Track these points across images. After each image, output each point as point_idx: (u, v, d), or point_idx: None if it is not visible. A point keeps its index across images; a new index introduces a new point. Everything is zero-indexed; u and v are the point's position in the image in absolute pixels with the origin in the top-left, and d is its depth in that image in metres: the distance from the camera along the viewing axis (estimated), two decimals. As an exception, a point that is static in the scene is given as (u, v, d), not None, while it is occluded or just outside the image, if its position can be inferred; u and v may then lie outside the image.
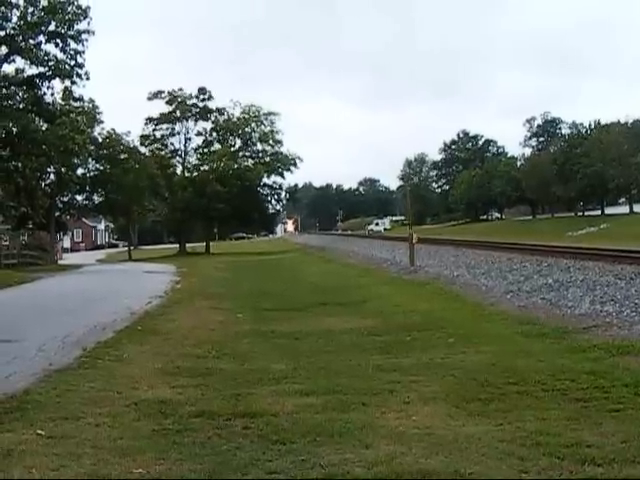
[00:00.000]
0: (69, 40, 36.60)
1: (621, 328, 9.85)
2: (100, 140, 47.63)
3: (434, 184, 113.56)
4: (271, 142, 61.67)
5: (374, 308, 14.16)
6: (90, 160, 47.89)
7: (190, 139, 61.31)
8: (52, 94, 38.95)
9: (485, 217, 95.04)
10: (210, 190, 56.15)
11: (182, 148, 61.35)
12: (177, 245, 61.87)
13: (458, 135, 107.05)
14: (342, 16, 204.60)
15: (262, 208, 63.86)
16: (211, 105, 60.45)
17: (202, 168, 60.91)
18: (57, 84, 38.70)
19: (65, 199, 49.06)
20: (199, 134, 61.39)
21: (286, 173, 61.76)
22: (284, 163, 60.92)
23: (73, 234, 78.64)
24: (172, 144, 61.09)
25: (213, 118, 61.16)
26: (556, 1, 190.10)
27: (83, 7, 36.21)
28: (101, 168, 49.00)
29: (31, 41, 36.10)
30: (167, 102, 59.14)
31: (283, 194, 65.66)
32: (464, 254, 25.20)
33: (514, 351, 8.53)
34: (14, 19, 35.71)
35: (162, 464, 4.73)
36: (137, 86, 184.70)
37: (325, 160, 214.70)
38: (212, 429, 5.57)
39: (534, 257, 20.17)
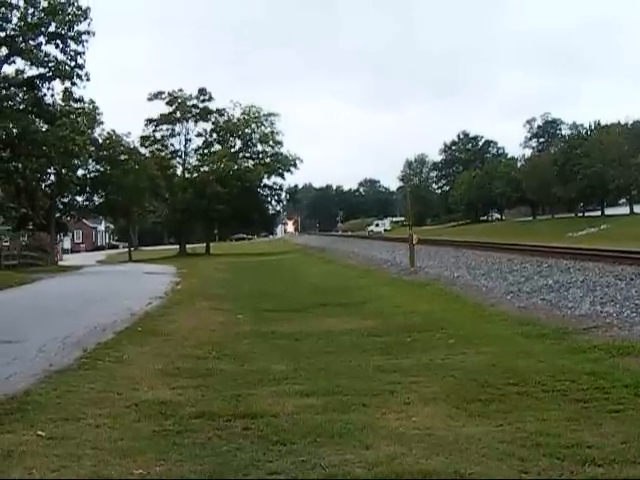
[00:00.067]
0: (69, 41, 36.64)
1: (621, 329, 9.85)
2: (100, 141, 47.67)
3: (434, 185, 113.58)
4: (271, 143, 61.71)
5: (374, 309, 14.16)
6: (90, 161, 47.93)
7: (190, 140, 61.42)
8: (52, 95, 39.03)
9: (485, 218, 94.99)
10: (210, 191, 56.17)
11: (182, 149, 61.46)
12: (177, 246, 61.85)
13: (458, 136, 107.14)
14: (342, 16, 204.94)
15: (262, 209, 63.88)
16: (211, 106, 60.56)
17: (202, 169, 60.92)
18: (57, 85, 38.80)
19: (65, 200, 49.07)
20: (199, 135, 61.51)
21: (286, 174, 61.92)
22: (284, 164, 60.94)
23: (73, 235, 78.65)
24: (172, 145, 61.21)
25: (213, 119, 61.19)
26: (558, 1, 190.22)
27: (83, 8, 36.28)
28: (101, 169, 49.03)
29: (31, 42, 36.14)
30: (167, 103, 59.18)
31: (283, 195, 65.81)
32: (464, 255, 25.20)
33: (514, 352, 8.53)
34: (14, 20, 35.77)
35: (162, 465, 4.73)
36: (137, 86, 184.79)
37: (325, 161, 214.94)
38: (212, 430, 5.57)
39: (534, 258, 20.17)
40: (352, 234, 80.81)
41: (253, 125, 61.38)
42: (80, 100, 42.94)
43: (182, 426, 5.70)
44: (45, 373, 7.83)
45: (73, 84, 38.61)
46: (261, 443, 5.18)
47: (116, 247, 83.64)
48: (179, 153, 61.33)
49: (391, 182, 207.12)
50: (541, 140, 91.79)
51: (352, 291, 18.29)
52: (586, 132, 70.14)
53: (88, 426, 5.73)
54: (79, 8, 36.17)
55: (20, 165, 39.84)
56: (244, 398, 6.66)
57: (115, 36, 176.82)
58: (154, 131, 60.04)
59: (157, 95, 59.32)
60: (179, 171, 61.23)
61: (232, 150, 61.44)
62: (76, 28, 36.50)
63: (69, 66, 37.12)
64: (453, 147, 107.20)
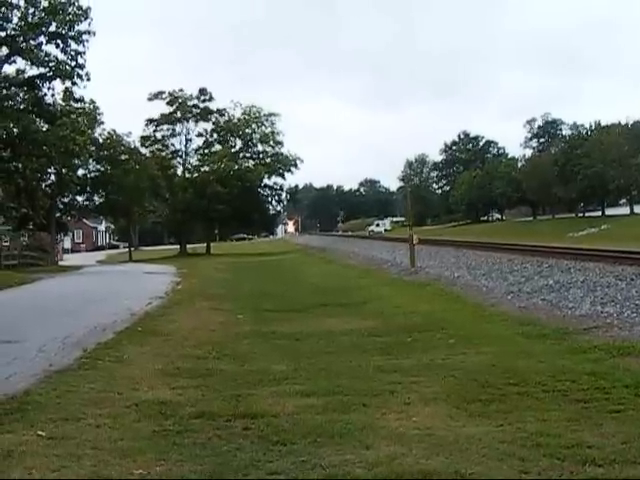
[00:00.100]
0: (70, 41, 36.63)
1: (622, 329, 9.85)
2: (101, 141, 47.68)
3: (435, 185, 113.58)
4: (272, 143, 61.70)
5: (375, 309, 14.16)
6: (91, 161, 47.95)
7: (191, 140, 61.42)
8: (53, 95, 38.99)
9: (486, 218, 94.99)
10: (211, 191, 56.18)
11: (183, 149, 61.46)
12: (178, 246, 61.86)
13: (459, 136, 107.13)
14: (342, 16, 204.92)
15: (263, 209, 63.89)
16: (212, 106, 60.57)
17: (203, 169, 60.93)
18: (58, 85, 38.78)
19: (66, 200, 49.09)
20: (200, 135, 61.51)
21: (286, 174, 61.90)
22: (284, 164, 60.95)
23: (73, 235, 78.66)
24: (173, 145, 61.22)
25: (214, 119, 61.19)
26: (558, 1, 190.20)
27: (84, 8, 36.26)
28: (102, 169, 49.05)
29: (32, 42, 36.14)
30: (168, 103, 59.19)
31: (284, 195, 65.78)
32: (465, 255, 25.20)
33: (515, 352, 8.53)
34: (15, 20, 35.76)
35: (162, 465, 4.73)
36: (137, 86, 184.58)
37: (325, 161, 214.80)
38: (212, 430, 5.57)
39: (535, 258, 20.16)
40: (352, 234, 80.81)
41: (253, 125, 61.39)
42: (80, 100, 42.98)
43: (182, 426, 5.70)
44: (45, 373, 7.83)
45: (73, 84, 38.62)
46: (261, 443, 5.18)
47: (116, 247, 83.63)
48: (179, 153, 61.41)
49: (391, 182, 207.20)
50: (541, 140, 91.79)
51: (352, 291, 18.29)
52: (586, 132, 70.11)
53: (88, 426, 5.72)
54: (79, 8, 36.18)
55: (20, 165, 39.84)
56: (244, 398, 6.66)
57: (115, 36, 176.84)
58: (154, 131, 60.11)
59: (157, 95, 59.37)
60: (179, 171, 61.26)
61: (232, 150, 61.44)
62: (77, 28, 36.50)
63: (69, 66, 37.12)
64: (453, 147, 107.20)
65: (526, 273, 17.31)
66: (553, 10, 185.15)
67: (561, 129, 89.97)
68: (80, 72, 37.50)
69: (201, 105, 59.95)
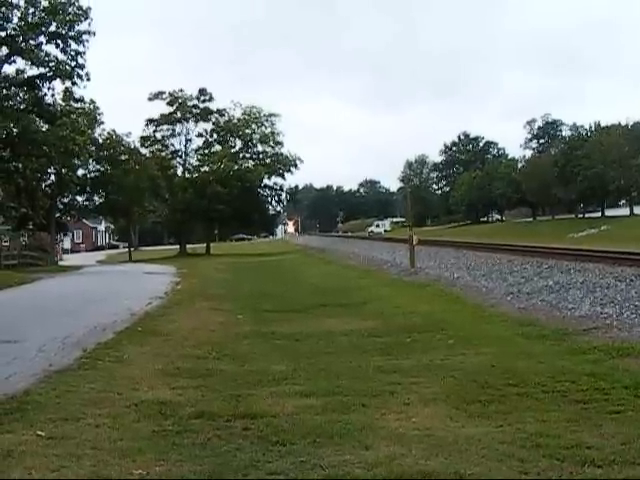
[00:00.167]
0: (70, 41, 36.69)
1: (621, 330, 9.86)
2: (101, 141, 47.69)
3: (434, 186, 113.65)
4: (272, 143, 61.69)
5: (374, 310, 14.16)
6: (91, 161, 47.95)
7: (191, 140, 61.42)
8: (53, 95, 39.08)
9: (485, 219, 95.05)
10: (210, 191, 56.19)
11: (182, 149, 61.47)
12: (177, 246, 61.85)
13: (459, 137, 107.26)
14: (342, 16, 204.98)
15: (262, 209, 63.88)
16: (212, 106, 60.58)
17: (202, 169, 60.94)
18: (58, 85, 38.86)
19: (65, 200, 49.12)
20: (199, 135, 61.51)
21: (286, 174, 61.87)
22: (284, 164, 60.95)
23: (73, 235, 78.68)
24: (172, 145, 61.22)
25: (214, 119, 61.20)
26: (558, 1, 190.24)
27: (84, 8, 36.34)
28: (102, 169, 49.06)
29: (32, 42, 36.17)
30: (168, 103, 59.20)
31: (283, 195, 65.72)
32: (464, 256, 25.21)
33: (514, 353, 8.53)
34: (15, 20, 35.83)
35: (162, 465, 4.73)
36: (137, 86, 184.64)
37: (325, 161, 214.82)
38: (212, 430, 5.57)
39: (534, 259, 20.17)
40: (352, 235, 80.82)
41: (253, 125, 61.38)
42: (80, 100, 43.07)
43: (182, 426, 5.70)
44: (45, 373, 7.83)
45: (73, 84, 38.69)
46: (261, 443, 5.18)
47: (116, 247, 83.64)
48: (179, 153, 61.40)
49: (391, 183, 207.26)
50: (541, 141, 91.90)
51: (352, 292, 18.29)
52: (586, 133, 70.17)
53: (88, 426, 5.72)
54: (79, 8, 36.24)
55: (20, 165, 39.88)
56: (244, 398, 6.66)
57: (115, 36, 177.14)
58: (154, 131, 60.12)
59: (157, 95, 59.38)
60: (179, 171, 61.28)
61: (232, 150, 61.44)
62: (76, 28, 36.57)
63: (69, 66, 37.16)
64: (453, 148, 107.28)
65: (526, 274, 17.32)
66: (553, 10, 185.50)
67: (561, 130, 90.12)
68: (80, 72, 37.60)
69: (201, 105, 59.98)
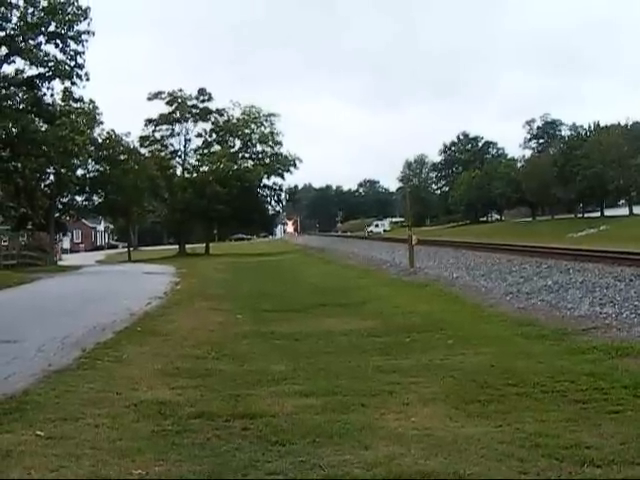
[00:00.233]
0: (69, 41, 36.71)
1: (620, 330, 9.86)
2: (100, 141, 47.65)
3: (434, 185, 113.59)
4: (271, 143, 61.70)
5: (374, 309, 14.16)
6: (90, 161, 47.90)
7: (190, 140, 61.46)
8: (52, 95, 39.13)
9: (485, 219, 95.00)
10: (210, 191, 56.17)
11: (182, 149, 61.48)
12: (177, 246, 61.84)
13: (458, 137, 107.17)
14: (342, 16, 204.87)
15: (262, 209, 63.85)
16: (211, 106, 60.62)
17: (202, 169, 60.94)
18: (57, 85, 38.89)
19: (65, 200, 49.05)
20: (199, 135, 61.53)
21: (286, 174, 61.87)
22: (284, 164, 60.94)
23: (73, 235, 78.64)
24: (172, 145, 61.25)
25: (213, 119, 61.22)
26: (558, 1, 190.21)
27: (83, 8, 36.37)
28: (101, 169, 49.02)
29: (31, 42, 36.19)
30: (167, 103, 59.21)
31: (283, 195, 65.66)
32: (464, 255, 25.21)
33: (513, 352, 8.53)
34: (14, 20, 35.86)
35: (161, 465, 4.73)
36: (137, 86, 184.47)
37: (325, 161, 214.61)
38: (211, 430, 5.57)
39: (534, 259, 20.17)
40: (351, 234, 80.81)
41: (253, 125, 61.38)
42: (80, 100, 43.04)
43: (181, 426, 5.70)
44: (44, 373, 7.83)
45: (73, 84, 38.73)
46: (260, 443, 5.18)
47: (115, 247, 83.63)
48: (179, 153, 61.43)
49: (391, 183, 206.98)
50: (541, 141, 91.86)
51: (352, 291, 18.29)
52: (585, 133, 70.16)
53: (87, 426, 5.72)
54: (79, 8, 36.26)
55: (19, 165, 39.88)
56: (243, 398, 6.66)
57: (115, 36, 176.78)
58: (154, 131, 60.15)
59: (157, 95, 59.40)
60: (179, 171, 61.26)
61: (232, 150, 61.43)
62: (76, 28, 36.60)
63: (69, 66, 37.18)
64: (453, 148, 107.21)
65: (525, 274, 17.32)
66: (553, 10, 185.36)
67: (560, 130, 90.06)
68: (79, 72, 37.64)
69: (200, 105, 59.99)
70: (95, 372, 8.06)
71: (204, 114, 60.27)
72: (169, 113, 59.44)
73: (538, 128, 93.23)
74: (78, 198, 50.48)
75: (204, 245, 61.06)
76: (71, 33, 36.49)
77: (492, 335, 10.06)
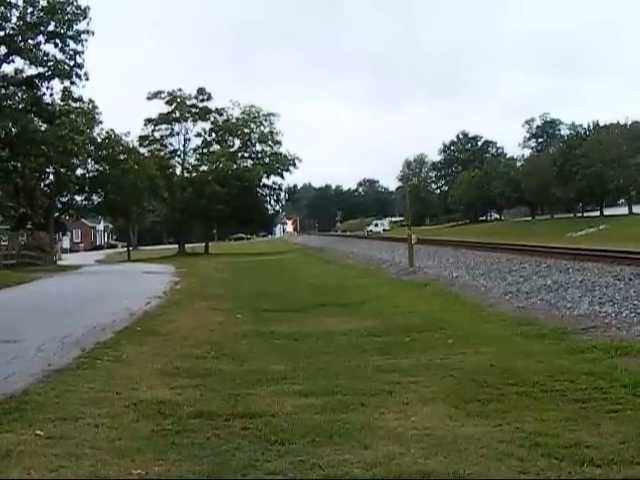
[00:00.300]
0: (68, 40, 36.70)
1: (620, 329, 9.86)
2: (99, 141, 47.65)
3: (433, 185, 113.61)
4: (270, 143, 61.71)
5: (373, 309, 14.16)
6: (89, 160, 47.89)
7: (189, 140, 61.52)
8: (51, 94, 39.14)
9: (484, 218, 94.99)
10: (209, 190, 56.17)
11: (181, 149, 61.55)
12: (176, 246, 61.87)
13: (457, 136, 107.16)
14: (342, 16, 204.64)
15: (261, 209, 63.83)
16: (210, 105, 60.66)
17: (201, 169, 61.00)
18: (56, 84, 38.88)
19: (64, 199, 49.06)
20: (198, 135, 61.56)
21: (285, 174, 61.93)
22: (283, 164, 60.95)
23: (72, 234, 78.63)
24: (171, 144, 61.32)
25: (212, 119, 61.24)
26: (558, 1, 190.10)
27: (82, 7, 36.37)
28: (100, 169, 49.01)
29: (30, 41, 36.18)
30: (166, 102, 59.25)
31: (282, 195, 65.72)
32: (463, 255, 25.21)
33: (513, 352, 8.54)
34: (13, 19, 35.86)
35: (161, 465, 4.73)
36: (136, 86, 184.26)
37: (324, 161, 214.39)
38: (211, 430, 5.57)
39: (533, 258, 20.18)
40: (351, 234, 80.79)
41: (252, 125, 61.38)
42: (79, 99, 43.05)
43: (181, 426, 5.70)
44: (44, 373, 7.83)
45: (72, 83, 38.72)
46: (260, 443, 5.18)
47: (115, 246, 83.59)
48: (178, 153, 61.46)
49: (390, 182, 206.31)
50: (540, 140, 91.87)
51: (351, 291, 18.29)
52: (585, 132, 70.17)
53: (87, 426, 5.72)
54: (78, 7, 36.25)
55: (19, 164, 39.87)
56: (243, 398, 6.66)
57: (114, 36, 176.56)
58: (153, 131, 60.20)
59: (156, 94, 59.42)
60: (178, 171, 61.26)
61: (231, 150, 61.46)
62: (75, 27, 36.60)
63: (68, 65, 37.17)
64: (452, 147, 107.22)
65: (524, 273, 17.32)
66: (553, 10, 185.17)
67: (560, 129, 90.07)
68: (79, 72, 37.63)
69: (200, 105, 60.02)
70: (95, 372, 8.06)
71: (203, 114, 60.28)
72: (168, 113, 59.46)
73: (538, 127, 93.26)
74: (78, 198, 50.54)
75: (204, 245, 61.09)
76: (70, 33, 36.49)
77: (492, 334, 10.06)
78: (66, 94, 41.19)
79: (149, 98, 59.58)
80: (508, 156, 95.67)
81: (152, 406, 6.34)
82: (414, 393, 6.66)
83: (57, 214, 48.05)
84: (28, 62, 36.58)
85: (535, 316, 11.71)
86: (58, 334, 10.71)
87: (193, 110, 59.83)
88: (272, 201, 65.62)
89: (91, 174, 49.01)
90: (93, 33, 37.04)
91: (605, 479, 4.26)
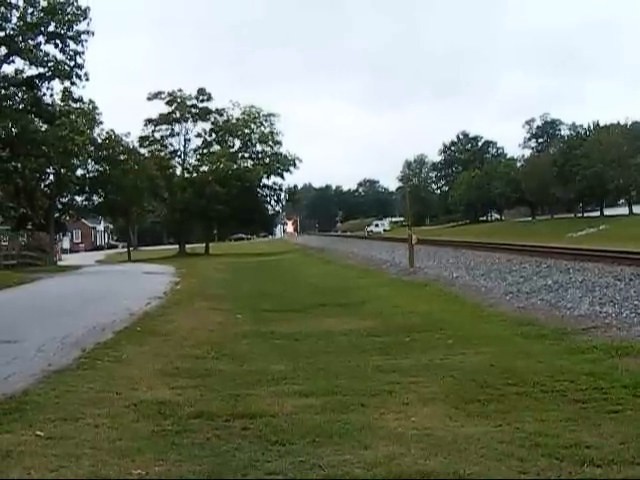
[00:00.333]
0: (68, 41, 36.73)
1: (620, 329, 9.86)
2: (99, 141, 47.66)
3: (433, 185, 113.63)
4: (270, 143, 61.71)
5: (373, 309, 14.16)
6: (89, 161, 47.92)
7: (189, 140, 61.50)
8: (51, 95, 39.19)
9: (484, 218, 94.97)
10: (209, 191, 56.18)
11: (181, 149, 61.53)
12: (177, 246, 61.87)
13: (458, 136, 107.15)
14: (342, 16, 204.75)
15: (261, 209, 63.81)
16: (210, 106, 60.64)
17: (201, 169, 60.99)
18: (57, 85, 38.94)
19: (64, 200, 49.08)
20: (198, 135, 61.56)
21: (285, 174, 61.85)
22: (283, 164, 60.94)
23: (72, 235, 78.63)
24: (171, 145, 61.31)
25: (212, 119, 61.23)
26: (558, 1, 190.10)
27: (82, 8, 36.41)
28: (100, 169, 49.02)
29: (30, 42, 36.21)
30: (167, 103, 59.25)
31: (282, 195, 65.61)
32: (463, 255, 25.20)
33: (513, 352, 8.53)
34: (14, 20, 35.89)
35: (161, 465, 4.73)
36: (136, 86, 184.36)
37: (325, 161, 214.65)
38: (211, 430, 5.57)
39: (533, 258, 20.17)
40: (351, 234, 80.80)
41: (252, 125, 61.38)
42: (79, 100, 43.05)
43: (181, 426, 5.70)
44: (44, 373, 7.83)
45: (72, 84, 38.77)
46: (260, 443, 5.18)
47: (115, 247, 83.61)
48: (178, 153, 61.46)
49: (390, 182, 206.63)
50: (540, 141, 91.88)
51: (351, 291, 18.29)
52: (585, 133, 70.15)
53: (87, 426, 5.72)
54: (78, 8, 36.29)
55: (19, 165, 39.89)
56: (243, 398, 6.66)
57: (115, 36, 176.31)
58: (153, 131, 60.19)
59: (156, 95, 59.42)
60: (178, 171, 61.26)
61: (231, 150, 61.45)
62: (75, 28, 36.64)
63: (68, 66, 37.19)
64: (452, 147, 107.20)
65: (525, 273, 17.31)
66: (553, 10, 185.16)
67: (560, 129, 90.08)
68: (79, 72, 37.68)
69: (200, 105, 60.00)
70: (95, 372, 8.06)
71: (204, 114, 60.28)
72: (169, 113, 59.47)
73: (538, 128, 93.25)
74: (78, 198, 50.57)
75: (204, 245, 61.08)
76: (71, 33, 36.53)
77: (492, 335, 10.06)
78: (66, 94, 41.20)
79: (149, 98, 59.65)
80: (508, 156, 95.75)
81: (152, 406, 6.34)
82: (414, 393, 6.66)
83: (57, 214, 48.07)
84: (28, 62, 36.62)
85: (535, 316, 11.71)
86: (58, 334, 10.71)
87: (193, 110, 59.83)
88: (272, 201, 65.69)
89: (91, 174, 49.03)
90: (93, 33, 37.15)
91: (605, 479, 4.26)
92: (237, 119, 61.42)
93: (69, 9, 35.97)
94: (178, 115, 59.50)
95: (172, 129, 60.51)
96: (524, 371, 7.35)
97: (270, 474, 4.52)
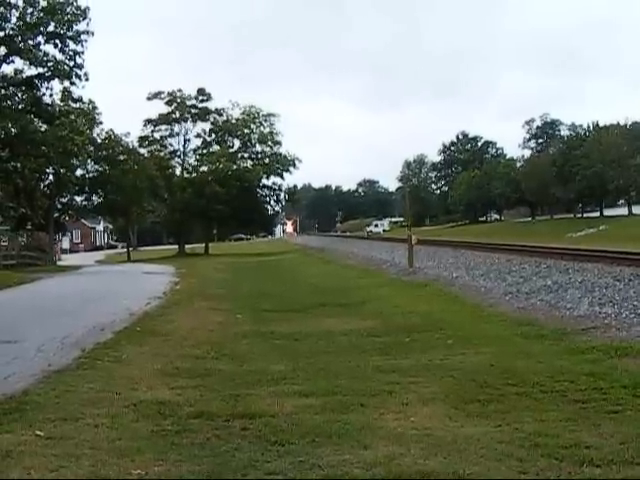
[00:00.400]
0: (68, 41, 36.69)
1: (620, 330, 9.86)
2: (99, 141, 47.67)
3: (433, 185, 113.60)
4: (270, 143, 61.72)
5: (373, 309, 14.17)
6: (89, 161, 47.93)
7: (189, 140, 61.52)
8: (51, 95, 39.10)
9: (484, 218, 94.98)
10: (209, 191, 56.19)
11: (181, 149, 61.55)
12: (176, 246, 61.87)
13: (457, 136, 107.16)
14: (342, 16, 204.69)
15: (261, 209, 63.82)
16: (210, 106, 60.66)
17: (201, 169, 61.02)
18: (56, 85, 38.86)
19: (64, 200, 49.09)
20: (198, 135, 61.57)
21: (285, 174, 61.89)
22: (283, 164, 60.96)
23: (72, 235, 78.64)
24: (171, 145, 61.34)
25: (212, 119, 61.24)
26: (558, 1, 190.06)
27: (82, 8, 36.36)
28: (100, 169, 49.05)
29: (30, 42, 36.17)
30: (166, 103, 59.27)
31: (282, 195, 65.63)
32: (463, 255, 25.20)
33: (513, 352, 8.54)
34: (13, 20, 35.83)
35: (161, 465, 4.73)
36: (136, 86, 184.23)
37: (324, 161, 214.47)
38: (211, 430, 5.57)
39: (533, 259, 20.17)
40: (351, 234, 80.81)
41: (252, 125, 61.39)
42: (79, 100, 43.03)
43: (181, 426, 5.70)
44: (44, 373, 7.83)
45: (72, 84, 38.70)
46: (259, 443, 5.19)
47: (115, 247, 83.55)
48: (178, 153, 61.47)
49: (390, 182, 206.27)
50: (540, 141, 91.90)
51: (351, 291, 18.30)
52: (585, 133, 70.16)
53: (86, 426, 5.72)
54: (78, 8, 36.24)
55: (19, 165, 39.86)
56: (243, 398, 6.66)
57: (114, 36, 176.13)
58: (153, 131, 60.23)
59: (156, 95, 59.43)
60: (178, 171, 61.27)
61: (231, 150, 61.48)
62: (75, 28, 36.58)
63: (68, 66, 37.15)
64: (452, 148, 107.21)
65: (524, 274, 17.31)
66: (553, 10, 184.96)
67: (560, 130, 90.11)
68: (78, 72, 37.60)
69: (199, 105, 60.01)
70: (95, 372, 8.07)
71: (203, 114, 60.29)
72: (168, 113, 59.48)
73: (537, 128, 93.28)
74: (77, 198, 50.57)
75: (203, 245, 61.10)
76: (70, 33, 36.48)
77: (492, 335, 10.06)
78: (66, 94, 41.18)
79: (149, 98, 59.68)
80: (508, 157, 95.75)
81: (152, 406, 6.34)
82: (414, 393, 6.67)
83: (57, 215, 48.09)
84: (28, 62, 36.57)
85: (535, 317, 11.71)
86: (58, 334, 10.71)
87: (193, 111, 59.84)
88: (272, 201, 65.68)
89: (91, 175, 49.05)
90: (93, 33, 37.09)
91: (605, 479, 4.27)
92: (237, 119, 61.43)
93: (69, 9, 35.94)
94: (178, 115, 59.52)
95: (172, 129, 60.58)
96: (524, 371, 7.35)
97: (270, 474, 4.52)
